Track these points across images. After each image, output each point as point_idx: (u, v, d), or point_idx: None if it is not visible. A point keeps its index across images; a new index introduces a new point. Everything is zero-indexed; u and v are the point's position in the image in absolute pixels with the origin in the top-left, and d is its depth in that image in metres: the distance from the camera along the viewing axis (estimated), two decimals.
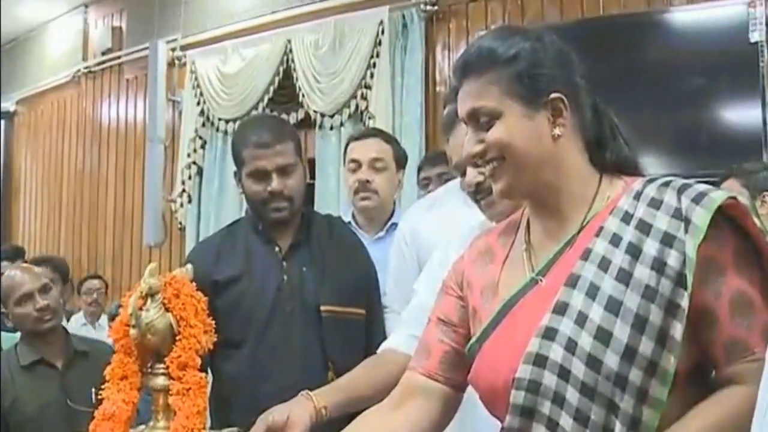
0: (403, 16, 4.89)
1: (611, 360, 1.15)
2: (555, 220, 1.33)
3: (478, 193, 1.79)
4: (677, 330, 1.14)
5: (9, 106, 8.01)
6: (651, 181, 1.28)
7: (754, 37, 3.77)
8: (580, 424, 1.19)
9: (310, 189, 4.99)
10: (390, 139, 3.04)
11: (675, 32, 4.04)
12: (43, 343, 2.89)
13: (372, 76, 4.93)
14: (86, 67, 7.09)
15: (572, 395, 1.19)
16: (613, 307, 1.17)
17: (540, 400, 1.23)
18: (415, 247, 2.40)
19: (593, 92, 1.36)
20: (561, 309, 1.22)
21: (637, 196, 1.25)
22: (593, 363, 1.17)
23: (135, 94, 6.70)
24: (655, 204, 1.22)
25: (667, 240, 1.18)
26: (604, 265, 1.21)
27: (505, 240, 1.43)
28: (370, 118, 4.87)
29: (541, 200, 1.35)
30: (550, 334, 1.22)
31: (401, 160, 3.00)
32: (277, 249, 2.25)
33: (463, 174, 1.81)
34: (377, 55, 4.91)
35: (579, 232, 1.29)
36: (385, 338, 2.27)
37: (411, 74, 4.83)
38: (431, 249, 2.25)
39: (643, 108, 3.78)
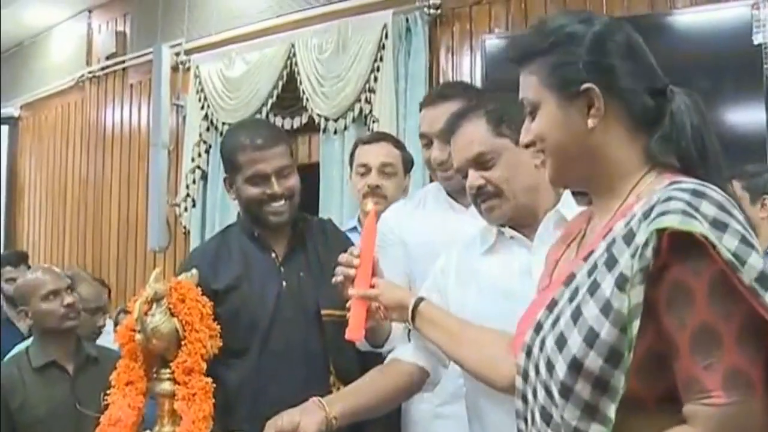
0: (407, 20, 4.89)
1: (561, 368, 1.14)
2: (599, 212, 1.31)
3: (479, 197, 1.79)
4: (627, 351, 1.08)
5: (13, 111, 8.02)
6: (674, 183, 1.16)
7: (758, 39, 3.77)
8: (545, 422, 1.19)
9: (314, 192, 5.01)
10: (399, 144, 3.03)
11: (678, 34, 4.04)
12: (55, 346, 2.91)
13: (376, 79, 4.92)
14: (90, 72, 7.10)
15: (540, 392, 1.20)
16: (575, 315, 1.14)
17: (528, 388, 1.25)
18: (404, 243, 2.36)
19: (659, 78, 1.28)
20: (551, 306, 1.22)
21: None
22: (550, 367, 1.17)
23: (139, 98, 6.71)
24: (646, 215, 1.13)
25: (636, 255, 1.10)
26: (592, 270, 1.18)
27: (584, 224, 1.41)
28: (374, 121, 4.87)
29: (590, 190, 1.33)
30: (537, 328, 1.23)
31: (408, 165, 3.00)
32: (273, 255, 2.24)
33: (465, 177, 1.81)
34: (381, 59, 4.91)
35: (605, 227, 1.25)
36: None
37: (415, 78, 4.83)
38: (420, 248, 2.24)
39: None
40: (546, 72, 1.28)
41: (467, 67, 4.77)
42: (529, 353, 1.25)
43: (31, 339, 3.10)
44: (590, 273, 1.17)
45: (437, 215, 2.30)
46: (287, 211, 2.20)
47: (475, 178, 1.78)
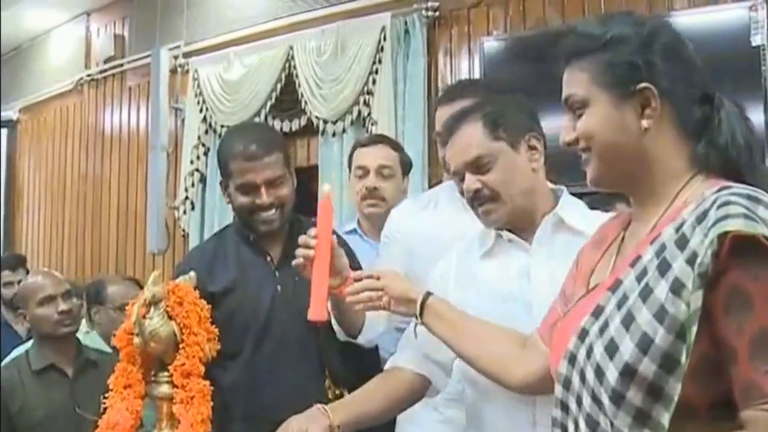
0: (405, 22, 4.89)
1: (612, 375, 1.12)
2: (640, 216, 1.30)
3: (475, 200, 1.79)
4: (683, 356, 1.07)
5: (12, 114, 8.02)
6: (725, 189, 1.15)
7: (756, 40, 3.77)
8: (590, 430, 1.17)
9: (313, 195, 5.00)
10: (397, 147, 3.03)
11: None
12: (54, 350, 2.92)
13: (374, 82, 4.92)
14: (89, 75, 7.10)
15: (586, 399, 1.18)
16: (627, 321, 1.12)
17: (570, 397, 1.23)
18: (408, 242, 2.34)
19: (708, 85, 1.29)
20: (597, 312, 1.20)
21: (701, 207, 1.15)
22: (599, 374, 1.14)
23: (137, 101, 6.71)
24: (699, 220, 1.12)
25: (692, 260, 1.09)
26: (641, 276, 1.16)
27: (620, 228, 1.38)
28: (372, 124, 4.87)
29: (631, 193, 1.31)
30: (582, 335, 1.21)
31: (407, 167, 3.00)
32: (269, 259, 2.24)
33: (462, 179, 1.81)
34: (379, 61, 4.91)
35: (650, 232, 1.23)
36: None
37: (413, 80, 4.83)
38: (424, 246, 2.22)
39: None
40: (599, 69, 1.26)
41: (466, 70, 4.78)
42: (572, 360, 1.23)
43: (30, 342, 3.11)
44: (639, 279, 1.15)
45: (448, 215, 2.27)
46: (277, 220, 2.19)
47: (471, 181, 1.78)
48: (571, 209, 1.82)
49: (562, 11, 4.47)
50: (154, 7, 6.39)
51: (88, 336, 3.49)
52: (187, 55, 6.13)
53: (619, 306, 1.15)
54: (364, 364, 2.07)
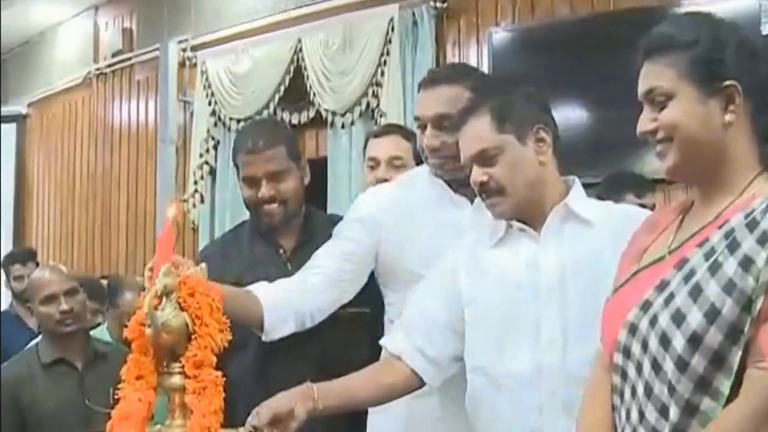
0: (413, 14, 4.89)
1: (678, 343, 1.20)
2: (706, 204, 1.37)
3: (482, 193, 1.80)
4: (747, 327, 1.16)
5: (21, 109, 8.04)
6: None
7: (766, 29, 3.76)
8: (647, 396, 1.26)
9: (322, 187, 5.00)
10: (410, 136, 2.97)
11: None
12: (63, 344, 2.92)
13: (383, 74, 4.93)
14: (97, 69, 7.11)
15: (647, 366, 1.26)
16: (695, 293, 1.21)
17: (630, 364, 1.32)
18: (379, 224, 2.16)
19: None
20: (661, 286, 1.28)
21: None
22: (665, 341, 1.22)
23: (146, 95, 6.72)
24: None
25: (762, 240, 1.19)
26: (709, 254, 1.24)
27: (675, 214, 1.46)
28: (381, 116, 4.88)
29: (701, 184, 1.38)
30: (645, 306, 1.29)
31: (421, 157, 2.95)
32: (281, 251, 2.25)
33: (470, 172, 1.81)
34: (388, 53, 4.92)
35: (715, 219, 1.31)
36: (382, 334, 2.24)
37: (422, 72, 4.79)
38: (398, 227, 2.12)
39: None
40: (687, 65, 1.32)
41: (474, 61, 4.77)
42: (633, 330, 1.31)
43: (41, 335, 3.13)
44: (707, 256, 1.24)
45: (434, 212, 2.13)
46: (278, 214, 2.19)
47: (478, 174, 1.79)
48: (581, 199, 1.83)
49: (570, 2, 4.46)
50: (161, 1, 6.40)
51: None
52: (195, 48, 6.14)
53: (686, 280, 1.24)
54: (373, 358, 2.06)
